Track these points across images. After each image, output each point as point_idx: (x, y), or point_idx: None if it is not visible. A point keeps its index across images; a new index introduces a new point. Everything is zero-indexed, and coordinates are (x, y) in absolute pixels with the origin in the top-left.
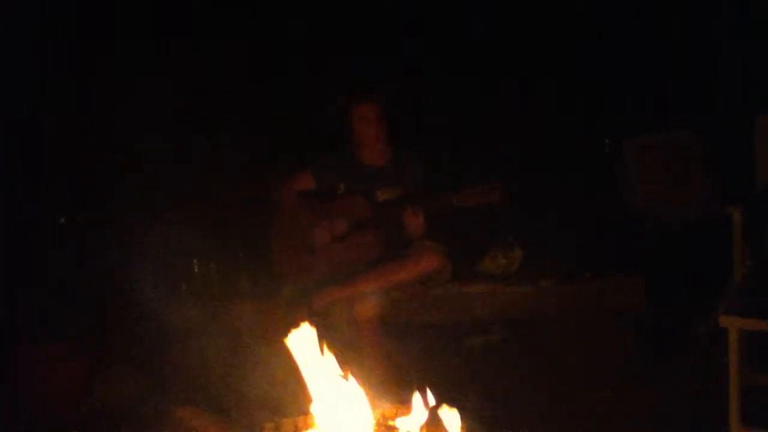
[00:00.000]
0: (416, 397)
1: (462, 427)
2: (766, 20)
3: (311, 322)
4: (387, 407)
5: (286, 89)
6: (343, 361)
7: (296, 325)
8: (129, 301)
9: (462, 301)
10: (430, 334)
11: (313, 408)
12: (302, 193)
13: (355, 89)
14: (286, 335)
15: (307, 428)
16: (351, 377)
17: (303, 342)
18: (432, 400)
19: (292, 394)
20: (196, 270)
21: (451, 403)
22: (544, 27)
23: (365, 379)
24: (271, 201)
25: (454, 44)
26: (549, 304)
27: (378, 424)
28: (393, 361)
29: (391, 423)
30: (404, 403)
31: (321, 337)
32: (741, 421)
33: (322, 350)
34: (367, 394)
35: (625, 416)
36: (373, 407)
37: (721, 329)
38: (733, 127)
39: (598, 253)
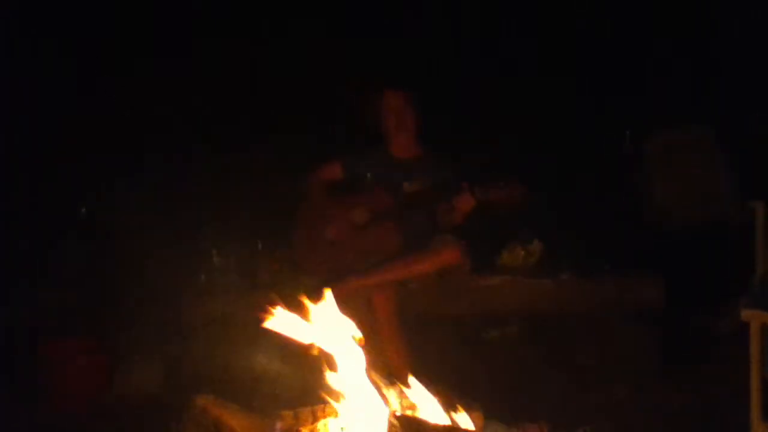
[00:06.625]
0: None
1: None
2: None
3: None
4: (405, 398)
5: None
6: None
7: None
8: (149, 294)
9: (480, 293)
10: (448, 325)
11: (331, 396)
12: (329, 183)
13: (382, 78)
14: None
15: (325, 417)
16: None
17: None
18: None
19: (310, 383)
20: (215, 261)
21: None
22: (562, 25)
23: (383, 369)
24: (298, 191)
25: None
26: (568, 297)
27: (394, 414)
28: (410, 352)
29: (408, 413)
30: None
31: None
32: (762, 417)
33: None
34: (384, 384)
35: (642, 413)
36: (391, 397)
37: (742, 329)
38: (754, 123)
39: (619, 251)
